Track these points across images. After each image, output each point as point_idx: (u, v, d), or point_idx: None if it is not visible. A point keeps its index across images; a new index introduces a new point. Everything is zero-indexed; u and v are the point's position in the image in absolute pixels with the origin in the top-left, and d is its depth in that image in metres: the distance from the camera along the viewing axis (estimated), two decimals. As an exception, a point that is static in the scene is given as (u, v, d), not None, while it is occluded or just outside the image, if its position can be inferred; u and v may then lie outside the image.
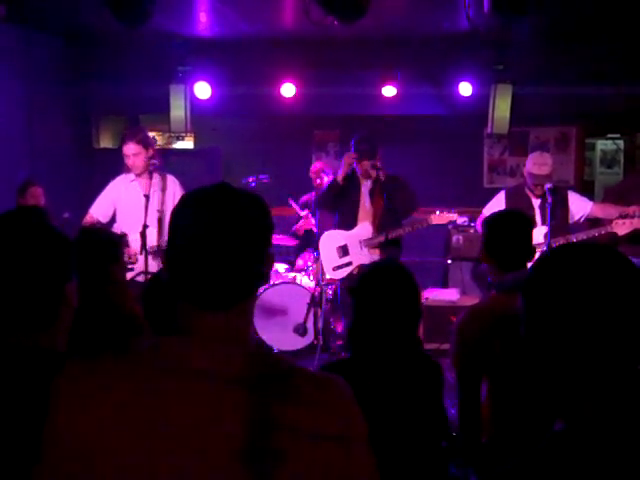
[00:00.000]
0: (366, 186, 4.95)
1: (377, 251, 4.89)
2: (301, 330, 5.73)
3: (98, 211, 4.67)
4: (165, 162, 6.31)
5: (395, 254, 4.81)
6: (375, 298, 2.09)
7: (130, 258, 4.32)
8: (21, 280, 1.46)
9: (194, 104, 6.35)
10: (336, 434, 1.07)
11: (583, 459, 1.01)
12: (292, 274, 5.95)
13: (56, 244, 1.53)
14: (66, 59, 6.40)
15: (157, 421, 1.04)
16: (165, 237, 4.38)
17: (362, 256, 4.88)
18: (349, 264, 4.92)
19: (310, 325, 5.71)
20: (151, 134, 9.07)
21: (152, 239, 4.46)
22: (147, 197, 4.42)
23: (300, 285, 5.77)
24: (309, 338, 5.72)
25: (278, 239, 6.21)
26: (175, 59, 6.24)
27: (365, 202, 4.95)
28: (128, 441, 1.03)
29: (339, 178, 4.85)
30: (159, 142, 9.12)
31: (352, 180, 4.94)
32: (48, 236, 1.52)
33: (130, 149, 4.51)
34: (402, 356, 2.10)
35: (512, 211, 2.88)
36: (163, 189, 4.61)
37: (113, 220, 4.72)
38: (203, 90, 6.38)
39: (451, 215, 4.79)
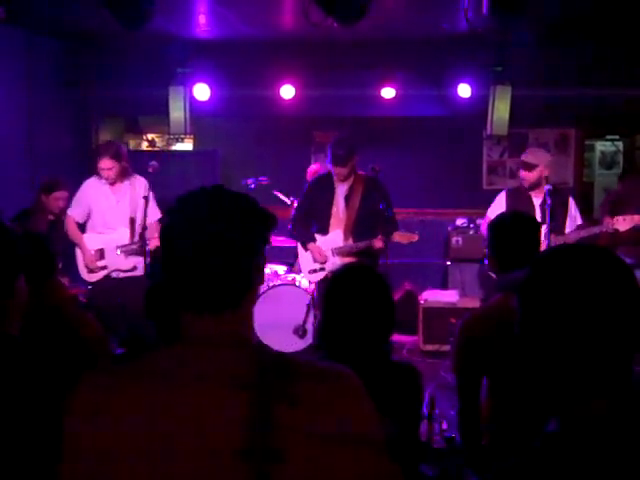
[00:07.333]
0: (342, 189, 4.83)
1: (350, 259, 4.78)
2: (300, 332, 5.72)
3: (76, 212, 4.95)
4: (164, 164, 6.32)
5: (370, 264, 4.74)
6: (342, 302, 2.04)
7: (88, 267, 4.83)
8: None
9: (193, 106, 6.35)
10: (336, 433, 1.05)
11: (577, 458, 1.02)
12: (291, 276, 5.94)
13: (3, 240, 1.50)
14: (66, 61, 6.41)
15: (160, 424, 1.06)
16: (136, 237, 4.70)
17: (333, 263, 4.87)
18: (322, 269, 4.97)
19: (310, 326, 5.70)
20: (150, 136, 9.12)
21: (125, 239, 4.88)
22: (146, 199, 4.80)
23: (299, 287, 5.76)
24: (308, 340, 5.72)
25: (277, 240, 6.21)
26: (174, 61, 6.25)
27: (339, 207, 4.84)
28: (135, 444, 1.05)
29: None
30: (158, 144, 9.12)
31: (327, 183, 4.84)
32: None
33: (106, 164, 4.84)
34: (368, 362, 2.02)
35: (518, 212, 2.86)
36: (132, 192, 4.95)
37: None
38: (202, 92, 6.38)
39: (412, 236, 4.80)
